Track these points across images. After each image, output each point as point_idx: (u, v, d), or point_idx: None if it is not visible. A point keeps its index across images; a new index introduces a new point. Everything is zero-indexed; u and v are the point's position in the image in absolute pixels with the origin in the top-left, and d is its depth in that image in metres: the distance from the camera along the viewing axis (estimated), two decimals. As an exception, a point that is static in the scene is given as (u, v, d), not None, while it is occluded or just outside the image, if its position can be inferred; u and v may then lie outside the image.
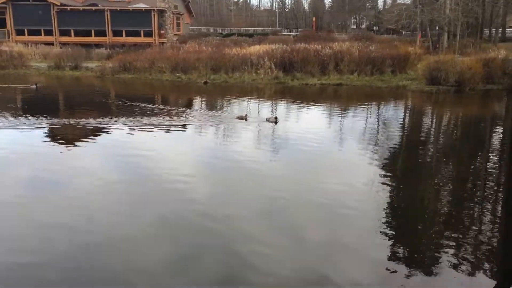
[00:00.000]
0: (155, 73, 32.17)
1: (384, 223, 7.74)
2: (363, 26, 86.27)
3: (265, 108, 20.90)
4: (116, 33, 51.78)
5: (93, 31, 51.75)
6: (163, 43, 51.19)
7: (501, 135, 15.83)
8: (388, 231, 7.45)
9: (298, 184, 9.68)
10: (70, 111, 20.14)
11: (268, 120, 16.08)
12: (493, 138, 15.48)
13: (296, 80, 29.70)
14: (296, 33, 63.15)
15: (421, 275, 6.15)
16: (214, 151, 12.34)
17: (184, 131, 15.39)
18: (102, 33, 51.62)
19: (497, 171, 11.01)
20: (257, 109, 20.49)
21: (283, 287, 5.92)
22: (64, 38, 50.97)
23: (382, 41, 43.36)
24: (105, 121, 16.38)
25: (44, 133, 14.83)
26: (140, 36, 51.78)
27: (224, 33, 69.00)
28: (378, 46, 35.20)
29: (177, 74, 31.87)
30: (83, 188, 9.31)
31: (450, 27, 45.33)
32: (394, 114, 19.92)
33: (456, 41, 43.41)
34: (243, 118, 16.38)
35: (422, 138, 15.00)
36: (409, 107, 22.61)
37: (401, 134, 15.62)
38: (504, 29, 55.98)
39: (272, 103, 23.01)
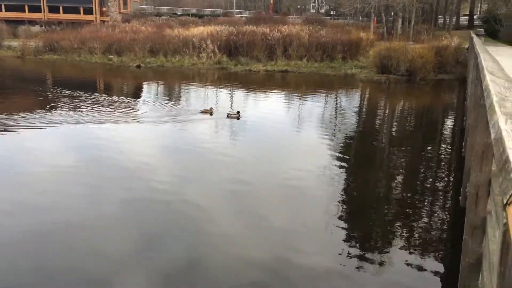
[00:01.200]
0: (84, 54, 29.00)
1: (340, 206, 7.96)
2: (322, 11, 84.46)
3: (213, 98, 18.57)
4: (53, 9, 47.54)
5: (26, 6, 47.25)
6: (104, 21, 47.36)
7: (451, 129, 14.33)
8: (344, 214, 7.65)
9: (258, 169, 9.75)
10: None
11: (229, 116, 14.34)
12: (442, 132, 13.97)
13: (240, 65, 27.36)
14: (250, 15, 60.41)
15: (374, 257, 6.21)
16: (175, 142, 11.83)
17: (142, 127, 13.12)
18: (36, 9, 47.27)
19: (448, 161, 11.04)
20: (205, 99, 18.28)
21: (246, 266, 5.95)
22: (-7, 13, 46.25)
23: (336, 25, 41.49)
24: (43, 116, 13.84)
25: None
26: (80, 13, 47.79)
27: (179, 13, 65.28)
28: (330, 31, 33.31)
29: (110, 56, 28.83)
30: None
31: (405, 13, 44.14)
32: (342, 104, 18.12)
33: (411, 27, 42.30)
34: (208, 112, 14.72)
35: (371, 129, 14.48)
36: (356, 98, 20.82)
37: (350, 124, 15.01)
38: (458, 16, 55.57)
39: (216, 91, 20.65)
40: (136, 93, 19.47)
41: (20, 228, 6.61)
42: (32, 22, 44.31)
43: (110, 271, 5.77)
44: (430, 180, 9.65)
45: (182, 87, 21.53)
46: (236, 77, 24.74)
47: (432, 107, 18.59)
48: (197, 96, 19.18)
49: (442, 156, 11.60)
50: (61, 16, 47.10)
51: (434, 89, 22.84)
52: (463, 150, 10.04)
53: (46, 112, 14.43)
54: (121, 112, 14.82)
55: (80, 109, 14.88)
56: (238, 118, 14.19)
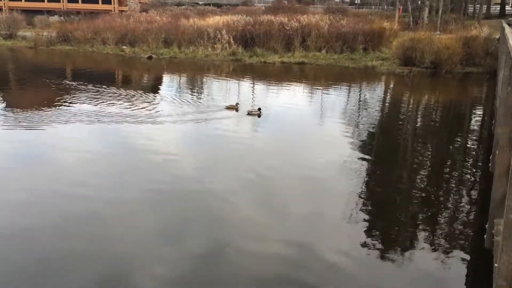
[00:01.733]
0: (97, 45, 28.41)
1: (361, 197, 7.91)
2: (347, 0, 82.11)
3: (231, 92, 17.66)
4: (71, -1, 47.23)
5: (45, -4, 47.08)
6: (122, 11, 46.84)
7: (478, 128, 13.03)
8: (365, 206, 7.60)
9: (280, 159, 9.81)
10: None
11: (250, 113, 13.63)
12: (467, 129, 12.69)
13: (256, 57, 26.25)
14: (268, 4, 58.96)
15: (396, 251, 6.19)
16: (200, 136, 11.65)
17: (166, 124, 12.47)
18: (55, -1, 47.03)
19: (473, 164, 10.39)
20: (222, 93, 17.50)
21: (267, 254, 6.04)
22: (13, 3, 46.25)
23: (359, 15, 39.80)
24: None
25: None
26: (98, 3, 47.31)
27: (200, 3, 64.18)
28: (351, 21, 31.79)
29: (123, 47, 28.16)
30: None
31: (432, 1, 42.11)
32: (360, 98, 16.92)
33: (438, 16, 40.27)
34: (234, 108, 14.16)
35: (391, 124, 13.86)
36: (375, 93, 19.48)
37: (370, 118, 14.24)
38: (489, 5, 52.87)
39: (233, 84, 19.67)
40: (151, 87, 18.71)
41: (51, 215, 6.99)
42: (51, 12, 44.12)
43: (136, 255, 5.94)
44: (455, 178, 9.29)
45: (197, 80, 20.71)
46: (251, 69, 23.71)
47: (457, 103, 17.22)
48: (215, 89, 18.37)
49: (467, 157, 10.88)
50: (79, 6, 46.80)
51: (461, 83, 21.30)
52: (490, 164, 8.99)
53: (58, 107, 13.94)
54: (141, 108, 14.21)
55: (98, 105, 14.31)
56: (259, 116, 13.48)
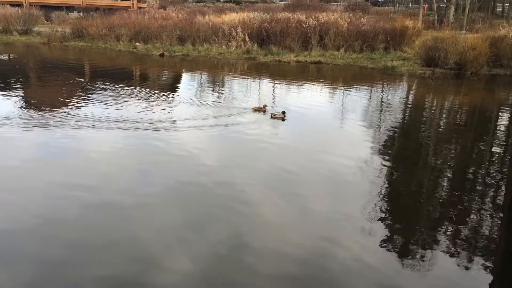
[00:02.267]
0: (110, 42, 27.99)
1: (381, 199, 7.86)
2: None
3: (248, 92, 16.91)
4: (91, -5, 47.07)
5: (65, -8, 47.04)
6: (141, 7, 46.49)
7: (505, 133, 11.92)
8: (383, 207, 7.54)
9: (301, 157, 9.91)
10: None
11: (273, 116, 12.92)
12: (493, 135, 11.60)
13: (271, 55, 25.37)
14: (288, 1, 57.89)
15: (416, 256, 6.07)
16: (222, 138, 11.28)
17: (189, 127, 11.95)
18: (75, -5, 46.94)
19: (498, 167, 9.95)
20: (239, 93, 16.76)
21: (286, 251, 6.10)
22: (33, -1, 46.41)
23: (380, 13, 38.53)
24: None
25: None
26: (117, -1, 47.06)
27: (221, 0, 63.40)
28: (372, 19, 30.64)
29: (136, 44, 27.66)
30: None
31: (459, -1, 40.54)
32: (377, 101, 15.90)
33: (465, 15, 38.67)
34: (261, 110, 13.49)
35: (411, 127, 12.90)
36: (392, 95, 18.39)
37: (389, 121, 13.51)
38: (519, 4, 50.76)
39: (249, 84, 18.84)
40: (164, 86, 18.02)
41: (79, 207, 7.29)
42: (70, 8, 44.07)
43: (158, 246, 6.21)
44: (480, 181, 9.03)
45: (213, 79, 19.96)
46: (266, 68, 22.87)
47: (482, 107, 16.02)
48: (233, 90, 17.55)
49: (492, 162, 10.29)
50: (99, 2, 46.58)
51: (487, 86, 19.99)
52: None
53: (63, 108, 13.57)
54: (159, 108, 13.77)
55: (109, 107, 13.83)
56: (283, 119, 12.77)
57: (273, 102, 14.91)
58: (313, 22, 27.92)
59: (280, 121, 12.61)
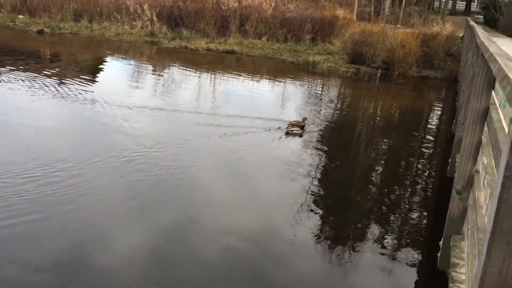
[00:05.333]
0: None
1: (317, 196, 7.26)
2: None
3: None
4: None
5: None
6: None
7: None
8: (319, 203, 7.02)
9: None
10: None
11: (290, 132, 9.95)
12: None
13: (179, 40, 21.70)
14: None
15: (347, 248, 5.88)
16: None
17: None
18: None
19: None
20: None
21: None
22: None
23: (313, 0, 35.67)
24: None
25: None
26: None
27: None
28: (301, 5, 27.67)
29: (19, 16, 22.91)
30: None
31: (396, -9, 38.71)
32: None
33: (401, 8, 36.90)
34: (299, 125, 10.25)
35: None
36: (289, 100, 15.43)
37: None
38: (455, 1, 50.11)
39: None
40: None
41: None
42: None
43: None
44: (407, 188, 8.37)
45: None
46: (159, 54, 19.29)
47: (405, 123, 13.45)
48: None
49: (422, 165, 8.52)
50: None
51: (414, 90, 17.58)
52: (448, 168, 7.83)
53: None
54: None
55: None
56: (301, 136, 9.95)
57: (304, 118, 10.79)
58: (233, 4, 24.51)
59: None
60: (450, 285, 3.92)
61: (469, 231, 4.06)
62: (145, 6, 23.22)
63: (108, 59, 17.73)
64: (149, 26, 22.92)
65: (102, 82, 13.56)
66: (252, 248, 5.52)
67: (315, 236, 5.98)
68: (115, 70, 16.05)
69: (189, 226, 5.87)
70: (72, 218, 5.72)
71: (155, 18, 23.20)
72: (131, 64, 17.22)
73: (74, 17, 23.52)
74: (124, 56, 18.50)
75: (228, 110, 11.41)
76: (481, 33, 6.91)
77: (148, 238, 5.51)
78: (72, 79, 12.98)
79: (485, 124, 4.08)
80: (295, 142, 9.56)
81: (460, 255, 4.18)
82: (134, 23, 23.13)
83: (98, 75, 14.82)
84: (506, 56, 3.27)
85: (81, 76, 13.61)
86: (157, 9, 23.40)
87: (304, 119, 10.47)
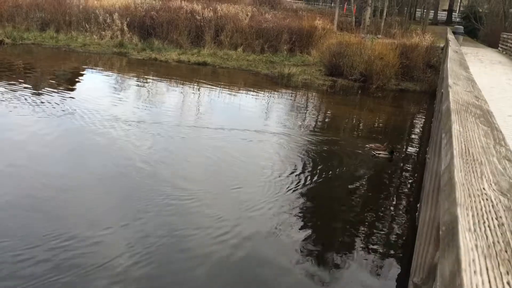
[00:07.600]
0: None
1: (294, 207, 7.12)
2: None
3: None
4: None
5: None
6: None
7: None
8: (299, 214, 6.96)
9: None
10: None
11: (376, 155, 9.71)
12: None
13: (150, 51, 20.74)
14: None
15: (331, 257, 5.93)
16: None
17: None
18: None
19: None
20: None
21: None
22: None
23: (294, 9, 35.08)
24: None
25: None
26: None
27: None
28: (278, 15, 26.99)
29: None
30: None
31: (377, 1, 38.38)
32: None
33: (382, 19, 36.50)
34: (380, 149, 9.88)
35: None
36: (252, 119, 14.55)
37: None
38: (436, 11, 50.07)
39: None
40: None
41: None
42: None
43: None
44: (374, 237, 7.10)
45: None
46: (121, 67, 18.30)
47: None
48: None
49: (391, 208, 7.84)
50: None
51: (392, 105, 16.86)
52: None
53: None
54: None
55: None
56: (390, 160, 9.67)
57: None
58: (208, 14, 23.69)
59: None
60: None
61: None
62: (115, 16, 22.25)
63: (63, 71, 16.63)
64: (119, 36, 21.94)
65: (66, 96, 12.53)
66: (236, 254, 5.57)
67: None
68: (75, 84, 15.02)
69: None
70: None
71: (125, 28, 22.24)
72: (84, 79, 16.20)
73: (41, 26, 22.44)
74: (80, 69, 17.45)
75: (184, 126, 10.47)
76: (452, 56, 6.11)
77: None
78: (23, 94, 11.94)
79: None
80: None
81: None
82: (103, 33, 22.12)
83: (58, 89, 13.79)
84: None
85: (33, 92, 12.55)
86: (128, 19, 22.44)
87: (387, 144, 10.07)
